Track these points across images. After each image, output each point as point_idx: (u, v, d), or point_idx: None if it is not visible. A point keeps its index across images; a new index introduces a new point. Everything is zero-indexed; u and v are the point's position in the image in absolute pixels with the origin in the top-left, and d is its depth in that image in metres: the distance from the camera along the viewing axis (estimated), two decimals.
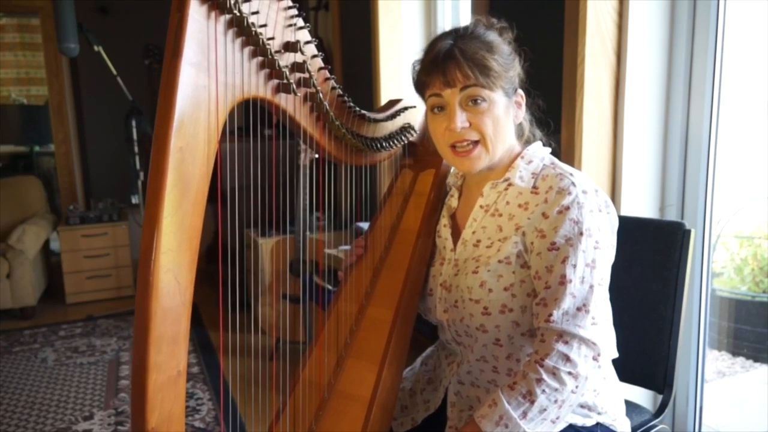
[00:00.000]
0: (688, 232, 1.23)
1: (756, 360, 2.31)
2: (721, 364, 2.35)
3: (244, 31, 0.76)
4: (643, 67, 1.59)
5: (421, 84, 1.07)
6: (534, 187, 1.04)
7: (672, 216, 1.67)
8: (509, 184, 1.07)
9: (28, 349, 3.17)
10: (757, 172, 1.95)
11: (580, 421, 1.06)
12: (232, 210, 3.12)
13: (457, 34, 1.03)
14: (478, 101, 1.00)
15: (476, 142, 1.03)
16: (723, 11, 1.52)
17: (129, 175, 3.90)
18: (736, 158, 1.82)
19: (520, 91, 1.08)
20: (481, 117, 1.01)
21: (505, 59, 1.03)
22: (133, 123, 3.55)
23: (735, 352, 2.35)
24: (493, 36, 1.04)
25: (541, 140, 1.14)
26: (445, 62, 1.00)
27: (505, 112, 1.03)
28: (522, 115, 1.09)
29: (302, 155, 2.33)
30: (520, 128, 1.12)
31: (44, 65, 4.47)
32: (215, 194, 1.03)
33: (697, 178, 1.60)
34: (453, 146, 1.03)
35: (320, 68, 0.98)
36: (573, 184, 0.99)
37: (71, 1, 3.20)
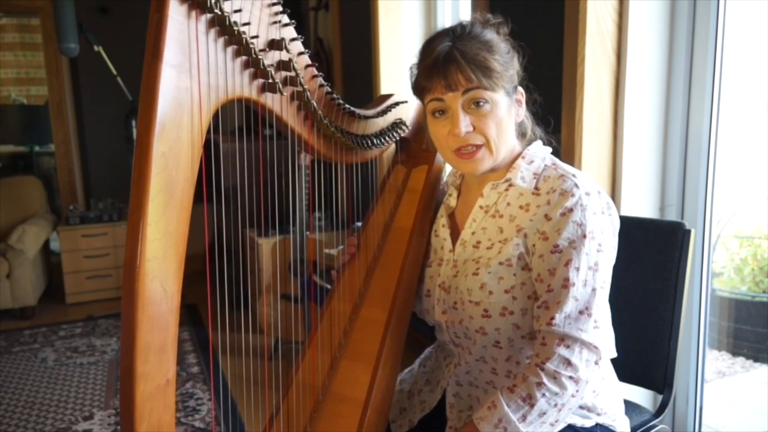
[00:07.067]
0: (688, 232, 1.23)
1: (756, 360, 2.31)
2: (721, 364, 2.35)
3: (226, 30, 0.74)
4: (643, 67, 1.59)
5: (420, 88, 1.04)
6: (535, 188, 1.03)
7: (672, 216, 1.67)
8: (510, 185, 1.06)
9: (28, 349, 3.17)
10: (757, 172, 1.94)
11: (579, 422, 1.05)
12: (232, 210, 3.12)
13: (454, 34, 1.01)
14: (481, 103, 0.99)
15: (480, 145, 1.01)
16: (723, 11, 1.51)
17: (129, 175, 3.89)
18: (736, 158, 1.82)
19: (520, 89, 1.07)
20: (484, 120, 0.99)
21: (505, 58, 1.01)
22: (133, 123, 3.54)
23: (735, 352, 2.35)
24: (490, 35, 1.02)
25: (541, 139, 1.13)
26: (446, 65, 0.98)
27: (507, 112, 1.02)
28: (523, 112, 1.08)
29: (302, 155, 2.33)
30: (521, 127, 1.10)
31: (44, 65, 4.47)
32: (213, 194, 1.02)
33: (697, 178, 1.60)
34: (456, 150, 1.02)
35: (307, 66, 0.96)
36: (576, 185, 0.98)
37: (71, 1, 3.19)
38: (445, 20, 2.77)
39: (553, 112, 1.22)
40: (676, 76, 1.61)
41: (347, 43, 3.26)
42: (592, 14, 1.52)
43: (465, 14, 2.65)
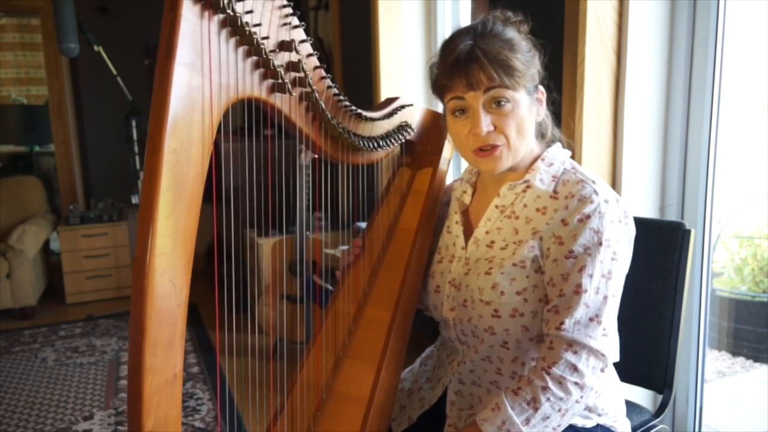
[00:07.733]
0: (688, 232, 1.23)
1: (756, 360, 2.31)
2: (721, 364, 2.35)
3: (238, 30, 0.75)
4: (643, 67, 1.59)
5: (441, 87, 1.03)
6: (554, 191, 1.02)
7: (672, 216, 1.67)
8: (528, 186, 1.05)
9: (28, 349, 3.17)
10: (757, 172, 1.95)
11: (580, 422, 1.05)
12: (232, 209, 3.12)
13: (475, 32, 1.00)
14: (502, 102, 0.98)
15: (500, 144, 1.00)
16: (723, 11, 1.51)
17: (129, 175, 3.90)
18: (736, 158, 1.82)
19: (541, 88, 1.06)
20: (505, 119, 0.98)
21: (526, 56, 1.00)
22: (133, 123, 3.55)
23: (735, 352, 2.35)
24: (512, 33, 1.01)
25: (560, 141, 1.12)
26: (468, 64, 0.96)
27: (528, 111, 1.01)
28: (543, 111, 1.07)
29: (302, 155, 2.33)
30: (541, 127, 1.09)
31: (44, 65, 4.47)
32: (216, 194, 1.02)
33: (697, 178, 1.60)
34: (476, 149, 1.01)
35: (315, 67, 0.96)
36: (595, 192, 0.97)
37: (71, 1, 3.20)
38: (445, 20, 2.77)
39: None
40: (676, 76, 1.61)
41: (347, 43, 3.26)
42: (592, 14, 1.52)
43: (465, 14, 2.65)
